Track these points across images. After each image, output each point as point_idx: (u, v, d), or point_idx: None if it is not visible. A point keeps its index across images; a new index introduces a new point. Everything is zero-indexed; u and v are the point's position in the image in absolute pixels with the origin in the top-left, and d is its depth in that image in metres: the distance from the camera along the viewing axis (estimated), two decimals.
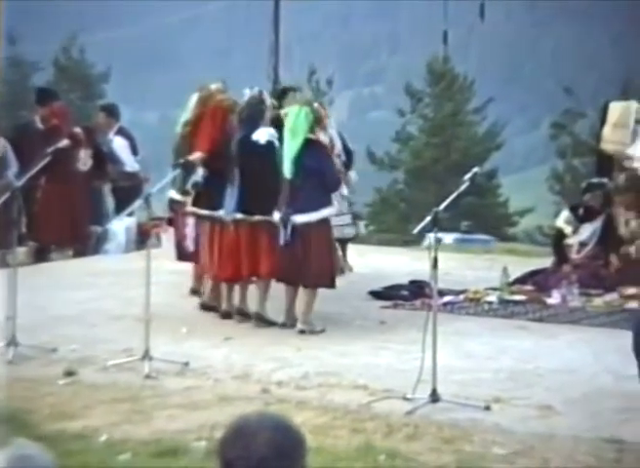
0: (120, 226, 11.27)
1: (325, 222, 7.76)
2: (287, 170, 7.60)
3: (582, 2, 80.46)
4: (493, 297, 8.80)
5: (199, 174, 7.96)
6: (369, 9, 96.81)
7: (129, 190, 10.51)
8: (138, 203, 7.53)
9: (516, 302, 8.72)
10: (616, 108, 9.90)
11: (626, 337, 5.76)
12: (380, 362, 6.79)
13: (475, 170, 7.01)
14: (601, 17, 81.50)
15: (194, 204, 8.09)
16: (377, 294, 9.02)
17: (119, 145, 11.33)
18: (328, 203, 7.76)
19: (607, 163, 9.91)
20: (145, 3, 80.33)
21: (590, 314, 8.39)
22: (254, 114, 7.88)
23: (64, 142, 10.64)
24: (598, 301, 8.73)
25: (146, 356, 6.46)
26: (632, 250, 8.98)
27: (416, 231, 6.75)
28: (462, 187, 6.77)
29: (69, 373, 6.37)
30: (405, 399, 5.76)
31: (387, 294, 9.00)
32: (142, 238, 10.00)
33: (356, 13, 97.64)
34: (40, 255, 10.99)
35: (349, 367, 6.60)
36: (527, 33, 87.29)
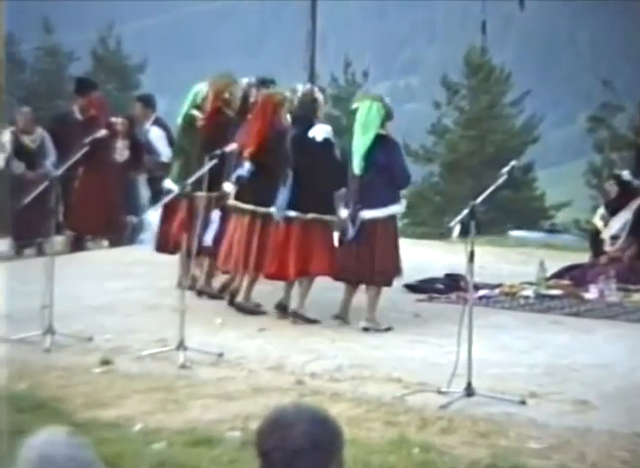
0: (156, 217, 11.31)
1: (392, 219, 7.69)
2: (356, 166, 7.53)
3: None
4: (529, 292, 8.76)
5: (245, 168, 7.85)
6: None
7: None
8: (174, 193, 7.57)
9: (552, 297, 8.68)
10: None
11: None
12: (414, 355, 6.78)
13: (513, 163, 6.98)
14: (637, 7, 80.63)
15: (237, 198, 7.94)
16: (412, 288, 9.00)
17: (156, 136, 11.36)
18: (396, 199, 7.67)
19: None
20: None
21: (628, 309, 8.33)
22: (307, 111, 7.80)
23: (102, 133, 10.72)
24: (636, 297, 8.68)
25: (181, 346, 6.50)
26: None
27: (452, 224, 6.73)
28: (500, 180, 6.73)
29: (105, 362, 6.43)
30: (439, 392, 5.75)
31: (422, 288, 8.99)
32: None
33: (393, 3, 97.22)
34: (77, 245, 11.09)
35: (383, 359, 6.60)
36: (563, 24, 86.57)
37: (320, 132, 7.74)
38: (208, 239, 8.15)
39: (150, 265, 9.64)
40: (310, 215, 7.66)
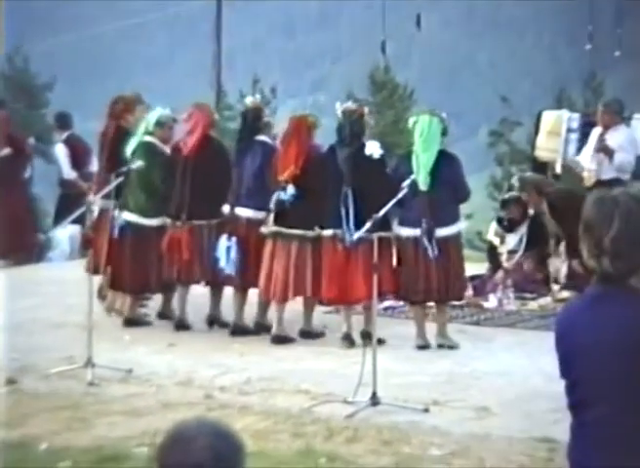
0: (64, 234, 11.20)
1: (460, 236, 7.55)
2: (422, 182, 7.23)
3: (516, 13, 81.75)
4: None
5: (288, 192, 7.43)
6: (312, 19, 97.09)
7: (75, 198, 10.42)
8: (79, 211, 7.44)
9: (454, 306, 8.78)
10: (549, 117, 10.05)
11: None
12: (321, 366, 6.80)
13: (412, 177, 7.10)
14: (534, 27, 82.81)
15: (279, 223, 7.50)
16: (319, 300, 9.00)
17: (59, 153, 11.40)
18: (460, 215, 7.52)
19: (541, 170, 10.04)
20: (85, 11, 79.96)
21: (525, 317, 8.50)
22: (356, 129, 7.48)
23: (5, 151, 10.57)
24: (533, 305, 8.87)
25: (89, 363, 6.39)
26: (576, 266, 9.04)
27: (355, 237, 6.81)
28: (400, 194, 6.86)
29: (10, 382, 6.28)
30: (346, 402, 5.78)
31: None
32: (86, 246, 9.88)
33: (299, 24, 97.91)
34: None
35: (291, 372, 6.60)
36: (463, 43, 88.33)
37: (376, 149, 7.44)
38: (228, 268, 7.62)
39: (58, 283, 9.47)
40: (375, 235, 7.26)
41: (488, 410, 5.71)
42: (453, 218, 7.38)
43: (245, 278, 7.70)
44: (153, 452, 2.43)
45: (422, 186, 7.25)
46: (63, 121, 11.71)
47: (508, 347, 7.40)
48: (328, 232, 7.37)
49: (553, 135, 9.78)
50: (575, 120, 9.88)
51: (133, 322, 7.96)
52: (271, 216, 7.53)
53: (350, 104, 7.74)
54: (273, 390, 6.16)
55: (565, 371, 2.71)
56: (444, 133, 7.52)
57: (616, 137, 8.87)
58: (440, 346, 7.35)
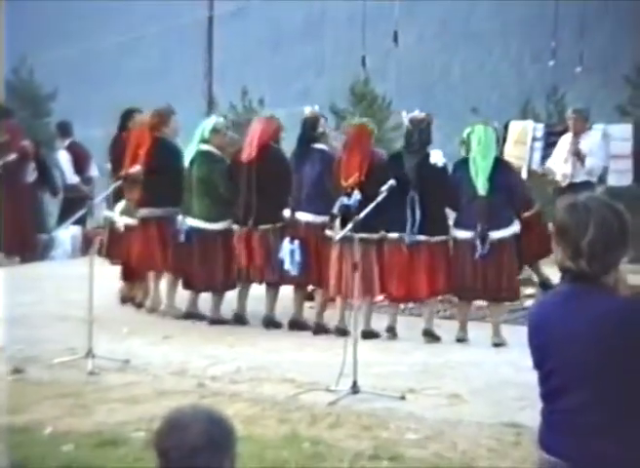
0: (66, 234, 11.24)
1: (515, 238, 7.48)
2: (481, 187, 7.24)
3: (484, 32, 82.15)
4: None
5: (353, 198, 7.30)
6: (297, 35, 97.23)
7: (77, 201, 10.43)
8: (80, 212, 7.43)
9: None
10: (515, 127, 10.11)
11: (525, 332, 5.86)
12: (306, 357, 6.81)
13: (391, 182, 7.10)
14: (501, 44, 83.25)
15: (344, 227, 7.20)
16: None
17: (62, 159, 11.43)
18: (515, 218, 7.45)
19: None
20: (85, 27, 79.91)
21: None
22: (424, 137, 7.48)
23: (12, 156, 10.59)
24: None
25: (89, 354, 6.38)
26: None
27: (338, 238, 6.83)
28: (380, 198, 6.87)
29: (16, 371, 6.27)
30: (328, 391, 5.78)
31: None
32: (87, 245, 9.89)
33: (285, 38, 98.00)
34: None
35: (278, 362, 6.60)
36: (437, 58, 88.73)
37: (440, 158, 7.42)
38: (293, 269, 7.58)
39: (60, 280, 9.45)
40: (436, 238, 7.32)
41: (460, 398, 5.73)
42: (508, 221, 7.37)
43: (307, 277, 7.71)
44: (150, 437, 2.42)
45: (482, 191, 7.25)
46: (65, 129, 11.78)
47: (479, 339, 7.42)
48: (393, 235, 7.33)
49: (519, 143, 9.84)
50: (539, 130, 9.95)
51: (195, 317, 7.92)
52: (337, 221, 7.41)
53: (418, 113, 7.65)
54: (261, 379, 6.16)
55: (539, 362, 2.72)
56: (498, 140, 7.56)
57: (587, 143, 8.94)
58: (496, 345, 7.23)
